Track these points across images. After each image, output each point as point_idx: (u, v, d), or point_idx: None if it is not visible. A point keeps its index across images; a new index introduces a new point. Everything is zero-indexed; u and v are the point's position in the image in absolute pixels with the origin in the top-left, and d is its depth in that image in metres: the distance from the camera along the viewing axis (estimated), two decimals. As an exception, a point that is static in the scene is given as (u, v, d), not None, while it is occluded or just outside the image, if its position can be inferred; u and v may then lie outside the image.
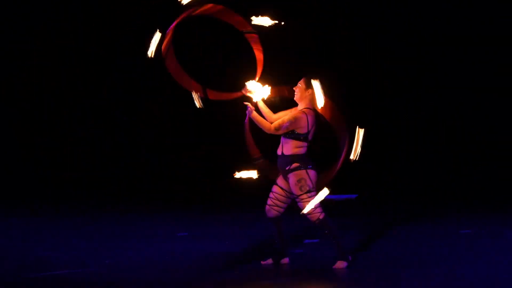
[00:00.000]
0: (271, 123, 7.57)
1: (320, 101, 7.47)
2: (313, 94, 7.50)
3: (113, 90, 15.61)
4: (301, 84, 7.56)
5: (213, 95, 7.74)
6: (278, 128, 7.47)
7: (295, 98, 7.61)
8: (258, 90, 7.66)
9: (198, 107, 7.60)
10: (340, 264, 7.50)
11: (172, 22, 7.56)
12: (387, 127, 15.43)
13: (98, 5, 15.22)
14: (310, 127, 7.49)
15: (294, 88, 7.60)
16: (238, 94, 7.73)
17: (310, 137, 7.54)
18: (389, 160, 15.49)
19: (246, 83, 7.66)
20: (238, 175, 7.76)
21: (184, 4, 7.56)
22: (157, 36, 7.51)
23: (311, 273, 7.49)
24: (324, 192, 7.37)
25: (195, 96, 7.59)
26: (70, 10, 15.31)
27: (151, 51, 7.52)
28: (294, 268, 7.64)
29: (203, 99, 7.62)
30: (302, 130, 7.47)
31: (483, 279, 7.10)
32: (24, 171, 15.70)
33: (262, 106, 7.70)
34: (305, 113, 7.48)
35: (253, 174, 7.73)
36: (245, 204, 12.86)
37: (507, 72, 14.99)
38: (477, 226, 10.44)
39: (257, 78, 7.68)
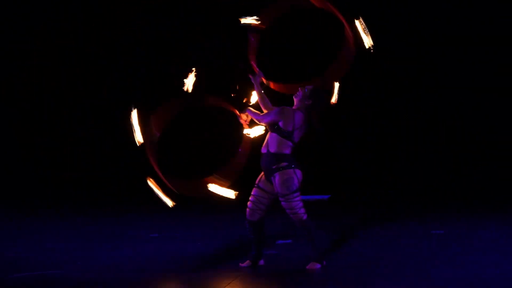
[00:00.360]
0: None
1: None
2: (309, 106, 7.54)
3: (113, 90, 15.58)
4: (307, 91, 7.58)
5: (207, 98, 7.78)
6: (266, 116, 7.52)
7: (294, 96, 7.65)
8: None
9: (185, 89, 7.62)
10: (313, 266, 7.52)
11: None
12: (387, 127, 15.43)
13: (98, 5, 15.22)
14: (296, 125, 7.47)
15: (299, 88, 7.63)
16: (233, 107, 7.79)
17: (295, 138, 7.52)
18: (389, 160, 15.49)
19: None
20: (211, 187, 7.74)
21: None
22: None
23: (284, 274, 7.50)
24: None
25: (190, 77, 7.61)
26: (70, 10, 15.30)
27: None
28: (267, 269, 7.63)
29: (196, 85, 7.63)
30: (286, 125, 7.44)
31: (455, 279, 7.12)
32: (24, 171, 15.69)
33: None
34: (294, 111, 7.50)
35: (230, 194, 7.72)
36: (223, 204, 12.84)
37: (507, 72, 14.99)
38: (452, 226, 10.41)
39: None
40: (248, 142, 7.86)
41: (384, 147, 15.40)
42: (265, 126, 7.67)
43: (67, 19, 15.35)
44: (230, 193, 7.66)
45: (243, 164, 7.82)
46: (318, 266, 7.52)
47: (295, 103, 7.62)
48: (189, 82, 7.67)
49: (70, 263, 7.96)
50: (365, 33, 7.67)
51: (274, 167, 7.47)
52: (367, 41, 7.70)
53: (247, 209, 7.64)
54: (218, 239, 9.43)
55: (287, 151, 7.49)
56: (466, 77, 15.11)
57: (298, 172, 7.49)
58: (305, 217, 7.48)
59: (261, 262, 7.72)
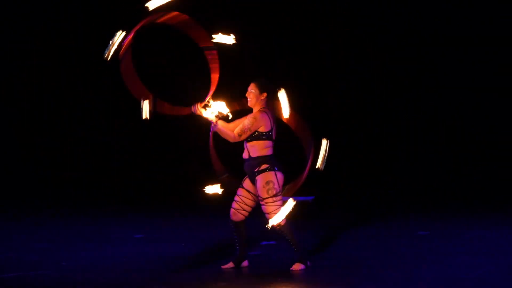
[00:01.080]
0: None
1: (286, 111, 7.45)
2: (267, 98, 7.48)
3: (113, 90, 15.55)
4: (254, 90, 7.49)
5: (162, 107, 7.49)
6: (241, 133, 7.40)
7: (249, 104, 7.53)
8: (216, 110, 7.58)
9: (144, 118, 7.46)
10: (298, 267, 7.50)
11: (135, 26, 7.42)
12: (387, 127, 15.41)
13: (98, 5, 15.23)
14: (272, 124, 7.46)
15: (246, 95, 7.52)
16: (188, 111, 7.56)
17: (274, 135, 7.50)
18: (389, 160, 15.45)
19: (198, 103, 7.56)
20: (205, 189, 7.71)
21: (150, 10, 7.48)
22: (119, 36, 7.40)
23: (268, 275, 7.49)
24: (290, 204, 7.37)
25: (144, 106, 7.42)
26: (70, 10, 15.31)
27: (108, 52, 7.39)
28: (251, 270, 7.62)
29: (152, 110, 7.42)
30: (265, 128, 7.41)
31: (440, 280, 7.11)
32: (24, 171, 15.71)
33: (221, 124, 7.51)
34: (265, 112, 7.44)
35: (217, 189, 7.66)
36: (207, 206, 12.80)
37: (507, 72, 14.95)
38: (444, 226, 10.37)
39: (208, 97, 7.59)
40: None
41: (384, 147, 15.38)
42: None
43: (67, 19, 15.36)
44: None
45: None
46: (302, 267, 7.51)
47: (254, 107, 7.53)
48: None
49: (57, 263, 7.97)
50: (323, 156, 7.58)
51: (255, 170, 7.46)
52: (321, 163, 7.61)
53: (231, 209, 7.63)
54: (202, 240, 9.39)
55: (269, 152, 7.47)
56: (466, 77, 15.08)
57: (279, 175, 7.47)
58: (283, 221, 7.46)
59: (245, 263, 7.72)
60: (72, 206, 13.01)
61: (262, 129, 7.43)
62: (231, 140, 7.47)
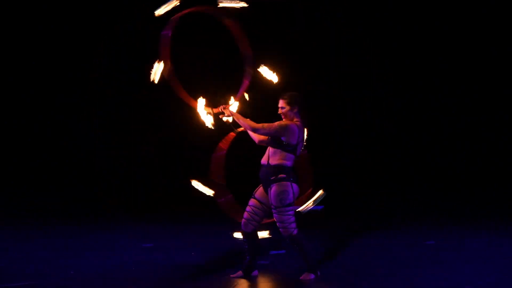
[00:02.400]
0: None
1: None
2: (299, 111, 7.55)
3: (113, 90, 15.57)
4: (284, 106, 7.55)
5: (176, 85, 7.66)
6: (266, 128, 7.45)
7: (281, 114, 7.63)
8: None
9: (151, 79, 7.56)
10: (307, 276, 7.54)
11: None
12: (387, 127, 15.43)
13: (98, 5, 15.19)
14: (300, 138, 7.49)
15: (279, 112, 7.60)
16: (194, 104, 7.69)
17: (298, 151, 7.52)
18: (389, 161, 15.47)
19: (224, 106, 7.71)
20: (194, 183, 7.78)
21: (157, 15, 7.58)
22: (159, 65, 7.52)
23: (277, 284, 7.53)
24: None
25: (157, 67, 7.54)
26: (70, 10, 15.27)
27: (153, 77, 7.54)
28: (261, 279, 7.64)
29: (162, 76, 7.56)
30: (291, 140, 7.45)
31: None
32: (24, 170, 15.68)
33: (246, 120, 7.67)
34: (296, 125, 7.49)
35: (209, 192, 7.76)
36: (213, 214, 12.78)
37: (507, 72, 14.99)
38: (444, 235, 10.35)
39: (235, 99, 7.71)
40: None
41: (384, 146, 15.41)
42: (265, 140, 7.66)
43: (67, 19, 15.32)
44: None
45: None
46: (312, 276, 7.54)
47: (284, 117, 7.60)
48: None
49: (66, 272, 7.98)
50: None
51: (272, 178, 7.48)
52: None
53: (242, 220, 7.66)
54: (211, 248, 9.40)
55: (288, 164, 7.49)
56: (466, 77, 15.11)
57: (295, 186, 7.50)
58: (295, 232, 7.48)
59: (255, 272, 7.74)
60: (80, 214, 12.95)
61: (288, 140, 7.44)
62: (253, 130, 7.54)
